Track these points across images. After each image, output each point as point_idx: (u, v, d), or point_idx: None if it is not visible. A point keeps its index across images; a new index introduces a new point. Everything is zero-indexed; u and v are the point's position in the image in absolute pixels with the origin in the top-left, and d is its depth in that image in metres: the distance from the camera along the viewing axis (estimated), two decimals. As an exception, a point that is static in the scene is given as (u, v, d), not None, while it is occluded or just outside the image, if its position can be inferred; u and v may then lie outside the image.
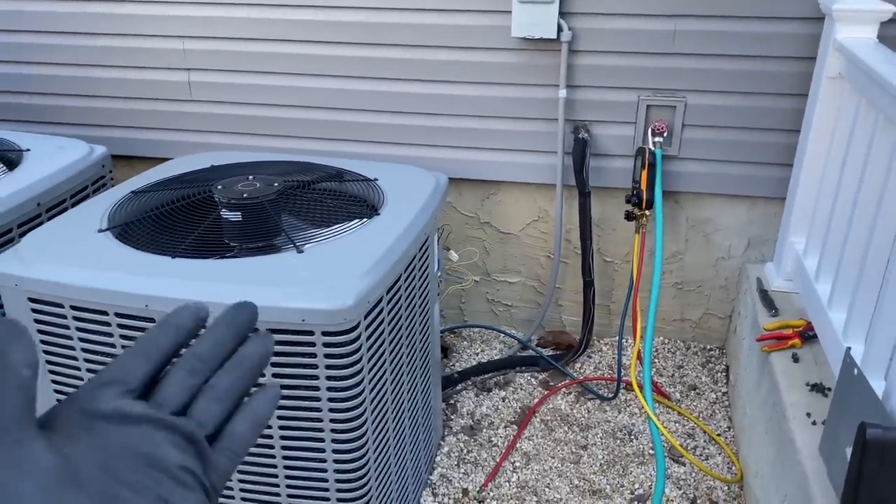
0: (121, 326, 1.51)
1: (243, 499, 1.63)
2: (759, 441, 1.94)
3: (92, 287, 1.50)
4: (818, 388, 1.77)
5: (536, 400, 2.40)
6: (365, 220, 1.74)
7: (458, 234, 2.58)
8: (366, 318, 1.50)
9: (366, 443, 1.58)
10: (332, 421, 1.52)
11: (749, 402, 2.12)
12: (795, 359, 1.89)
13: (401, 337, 1.72)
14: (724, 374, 2.48)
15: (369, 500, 1.64)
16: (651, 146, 2.23)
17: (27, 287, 1.56)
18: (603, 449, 2.20)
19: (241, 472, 1.60)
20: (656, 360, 2.55)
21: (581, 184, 2.30)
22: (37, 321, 1.58)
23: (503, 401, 2.40)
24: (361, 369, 1.51)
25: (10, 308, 1.60)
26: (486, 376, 2.49)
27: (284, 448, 1.56)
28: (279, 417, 1.52)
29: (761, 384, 1.99)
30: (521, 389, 2.45)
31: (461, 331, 2.74)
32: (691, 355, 2.58)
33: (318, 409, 1.51)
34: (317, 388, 1.49)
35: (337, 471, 1.57)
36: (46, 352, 1.61)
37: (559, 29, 2.15)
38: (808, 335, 1.93)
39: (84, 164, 2.17)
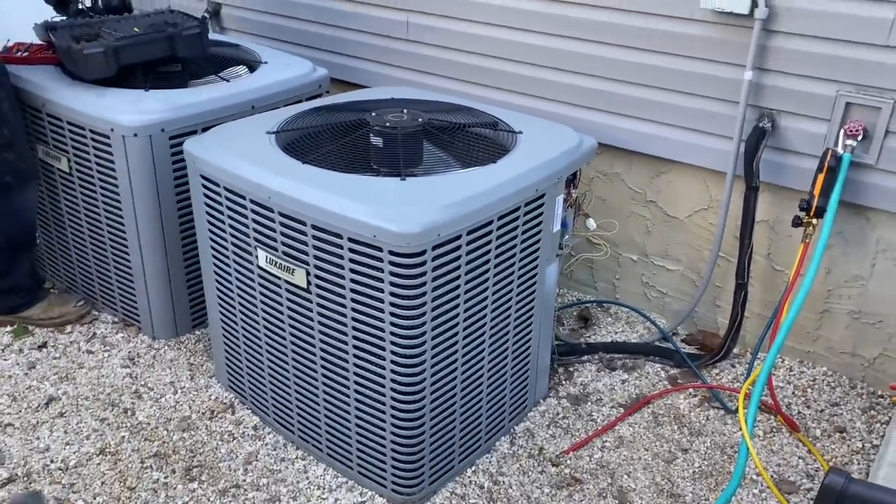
0: (253, 211, 1.81)
1: (325, 385, 1.87)
2: None
3: (236, 174, 1.81)
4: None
5: (657, 392, 2.30)
6: (483, 165, 1.83)
7: (621, 206, 2.51)
8: (435, 248, 1.61)
9: (422, 363, 1.70)
10: (392, 334, 1.67)
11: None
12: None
13: (485, 281, 1.79)
14: (885, 425, 2.13)
15: (422, 419, 1.77)
16: (840, 149, 1.96)
17: (199, 166, 1.92)
18: (704, 458, 2.06)
19: (323, 358, 1.83)
20: (809, 391, 2.27)
21: (749, 176, 2.10)
22: (205, 195, 1.95)
23: (622, 383, 2.34)
24: (423, 294, 1.63)
25: (191, 180, 1.99)
26: (615, 355, 2.43)
27: (356, 347, 1.75)
28: (354, 319, 1.71)
29: None
30: (646, 378, 2.36)
31: (609, 306, 2.69)
32: (854, 396, 2.25)
33: (381, 320, 1.67)
34: (381, 301, 1.65)
35: (394, 380, 1.72)
36: (209, 221, 1.98)
37: (753, 4, 1.97)
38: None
39: (303, 80, 2.54)
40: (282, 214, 1.74)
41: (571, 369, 2.39)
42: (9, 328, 2.48)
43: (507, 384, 2.04)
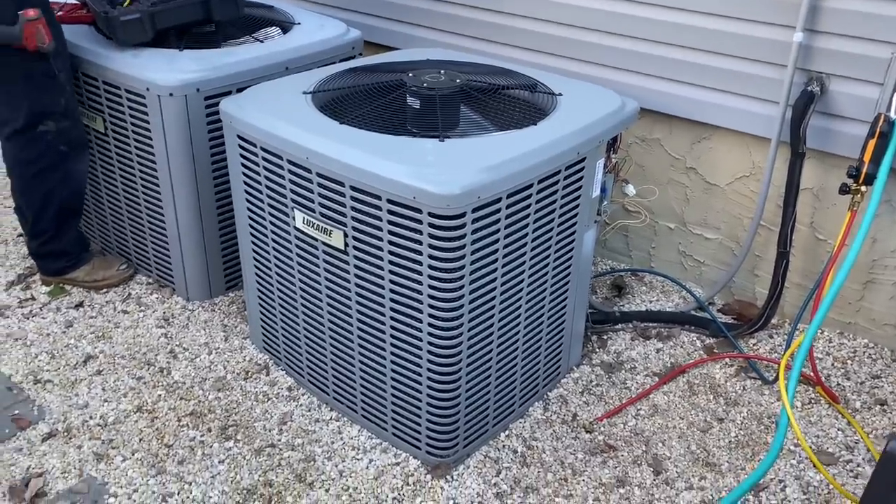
0: (290, 172, 1.80)
1: (361, 346, 1.87)
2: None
3: (273, 133, 1.79)
4: None
5: (692, 361, 2.27)
6: (522, 128, 1.79)
7: (660, 172, 2.47)
8: (475, 211, 1.58)
9: (459, 326, 1.69)
10: (430, 297, 1.65)
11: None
12: None
13: (523, 245, 1.77)
14: (928, 399, 2.09)
15: (458, 382, 1.77)
16: (893, 113, 1.89)
17: (236, 126, 1.91)
18: (740, 428, 2.04)
19: (360, 320, 1.83)
20: (849, 363, 2.23)
21: (795, 142, 2.04)
22: (241, 156, 1.94)
23: (657, 352, 2.32)
24: (462, 257, 1.61)
25: (227, 139, 1.98)
26: (649, 324, 2.41)
27: (393, 310, 1.74)
28: (391, 281, 1.70)
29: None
30: (681, 347, 2.34)
31: (644, 275, 2.65)
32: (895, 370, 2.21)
33: (419, 283, 1.66)
34: (419, 263, 1.63)
35: (431, 343, 1.71)
36: (245, 181, 1.97)
37: (806, -38, 1.90)
38: None
39: (337, 42, 2.50)
40: (319, 175, 1.72)
41: (605, 337, 2.37)
42: (45, 288, 2.51)
43: (541, 350, 2.02)
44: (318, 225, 1.79)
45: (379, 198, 1.62)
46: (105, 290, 2.52)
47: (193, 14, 2.30)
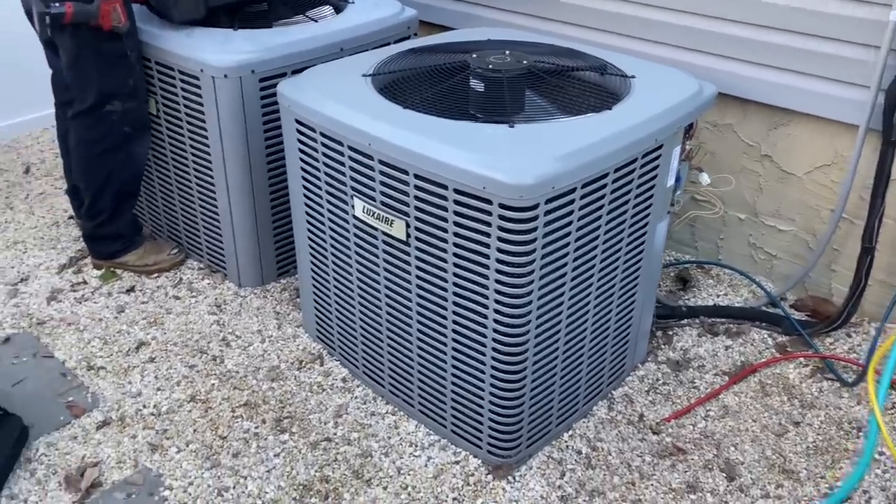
0: (351, 158, 1.72)
1: (420, 340, 1.80)
2: None
3: (333, 118, 1.72)
4: None
5: (764, 360, 2.15)
6: (596, 112, 1.68)
7: (731, 160, 2.33)
8: (548, 202, 1.49)
9: (527, 322, 1.61)
10: (497, 292, 1.57)
11: None
12: None
13: (595, 238, 1.67)
14: None
15: (523, 380, 1.68)
16: None
17: (294, 110, 1.83)
18: (818, 433, 1.92)
19: (420, 313, 1.75)
20: (936, 365, 2.09)
21: (888, 129, 1.90)
22: (299, 140, 1.87)
23: (725, 349, 2.20)
24: (532, 251, 1.52)
25: (284, 124, 1.91)
26: (717, 320, 2.29)
27: (456, 304, 1.66)
28: (455, 274, 1.62)
29: None
30: (752, 345, 2.22)
31: (711, 268, 2.53)
32: None
33: (485, 277, 1.57)
34: (487, 257, 1.55)
35: (496, 340, 1.63)
36: (302, 167, 1.90)
37: (909, -67, 1.75)
38: None
39: (392, 21, 2.41)
40: (382, 162, 1.64)
41: (671, 333, 2.27)
42: (96, 272, 2.49)
43: (608, 346, 1.93)
44: (378, 214, 1.71)
45: (445, 187, 1.54)
46: (156, 274, 2.49)
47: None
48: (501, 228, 1.49)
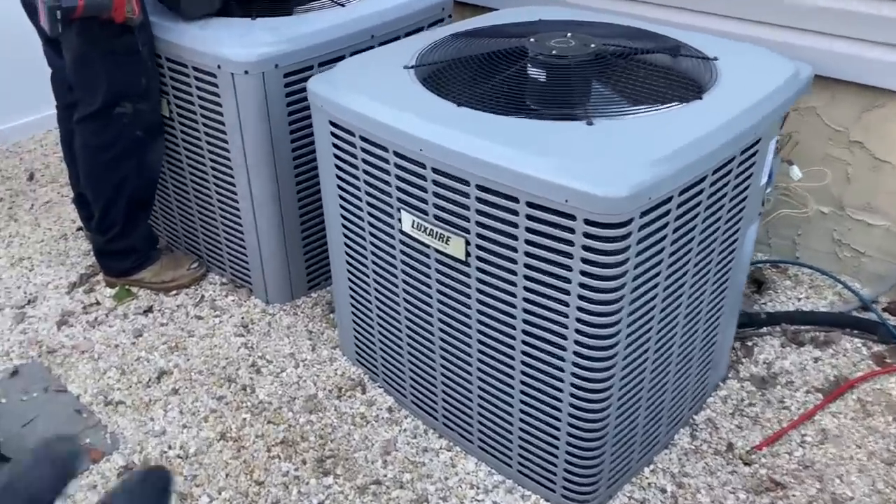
0: (398, 166, 1.48)
1: (481, 370, 1.57)
2: None
3: (376, 120, 1.48)
4: None
5: (860, 374, 1.91)
6: (684, 103, 1.44)
7: (814, 148, 2.08)
8: (642, 216, 1.25)
9: (613, 355, 1.37)
10: (579, 321, 1.34)
11: None
12: None
13: (689, 251, 1.43)
14: None
15: (607, 416, 1.46)
16: None
17: (328, 110, 1.59)
18: (934, 461, 1.69)
19: (481, 340, 1.52)
20: None
21: None
22: (334, 145, 1.63)
23: (815, 361, 1.96)
24: (624, 273, 1.28)
25: (317, 126, 1.67)
26: (802, 327, 2.05)
27: (526, 333, 1.43)
28: (526, 300, 1.39)
29: None
30: (844, 356, 1.98)
31: (788, 267, 2.28)
32: None
33: (565, 304, 1.34)
34: (567, 280, 1.31)
35: (576, 374, 1.40)
36: (338, 175, 1.66)
37: None
38: None
39: (425, 3, 2.16)
40: (436, 171, 1.40)
41: (750, 344, 2.03)
42: (109, 290, 2.27)
43: (693, 367, 1.70)
44: (431, 230, 1.48)
45: (515, 200, 1.30)
46: (175, 291, 2.27)
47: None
48: (587, 248, 1.26)
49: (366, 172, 1.57)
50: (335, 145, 1.63)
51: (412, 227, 1.52)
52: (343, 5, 2.10)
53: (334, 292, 1.94)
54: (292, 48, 1.88)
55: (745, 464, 1.71)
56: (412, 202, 1.49)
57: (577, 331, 1.35)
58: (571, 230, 1.26)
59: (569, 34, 1.63)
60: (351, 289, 1.83)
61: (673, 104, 1.43)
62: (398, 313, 1.70)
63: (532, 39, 1.61)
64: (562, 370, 1.41)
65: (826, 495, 1.63)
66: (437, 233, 1.47)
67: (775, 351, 2.00)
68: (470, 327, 1.53)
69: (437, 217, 1.46)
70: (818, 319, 2.05)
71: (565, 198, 1.23)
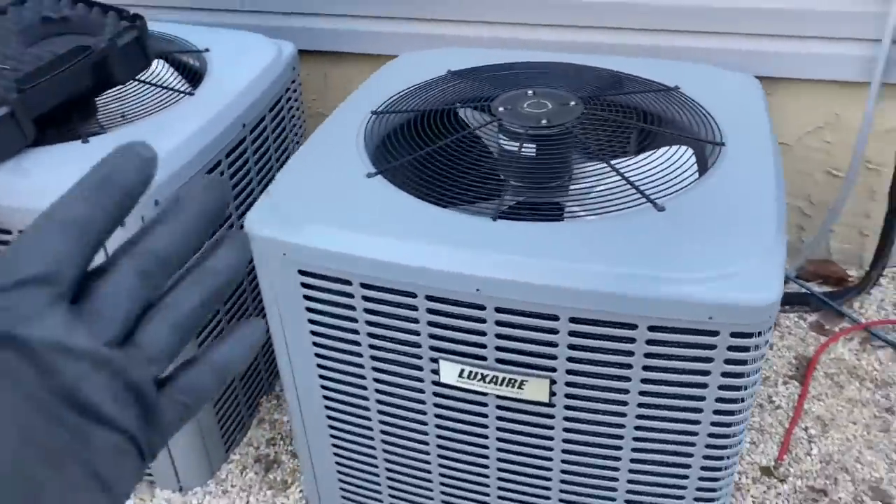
0: (432, 311, 1.14)
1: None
2: None
3: (399, 264, 1.11)
4: None
5: (812, 348, 2.00)
6: (693, 149, 1.29)
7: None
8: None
9: (734, 464, 1.21)
10: (709, 435, 1.15)
11: None
12: None
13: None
14: None
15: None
16: None
17: (300, 257, 1.18)
18: (915, 413, 1.82)
19: (565, 491, 1.27)
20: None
21: (913, 85, 1.78)
22: (308, 297, 1.21)
23: (771, 349, 2.01)
24: (756, 381, 1.11)
25: (270, 278, 1.23)
26: (743, 316, 2.09)
27: (633, 482, 1.21)
28: (637, 438, 1.16)
29: None
30: (790, 334, 2.06)
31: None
32: None
33: (696, 423, 1.14)
34: (702, 399, 1.11)
35: (698, 496, 1.22)
36: (315, 331, 1.25)
37: None
38: None
39: (276, 68, 1.73)
40: (502, 310, 1.10)
41: (711, 349, 2.01)
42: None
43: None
44: (493, 377, 1.17)
45: (633, 327, 1.06)
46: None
47: (84, 81, 1.40)
48: (729, 361, 1.06)
49: (371, 324, 1.19)
50: (310, 297, 1.21)
51: (460, 376, 1.19)
52: (194, 94, 1.60)
53: (301, 458, 1.51)
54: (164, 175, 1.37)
55: (780, 481, 1.69)
56: (460, 349, 1.16)
57: (707, 445, 1.16)
58: (711, 346, 1.05)
59: (530, 91, 1.39)
60: (337, 455, 1.43)
61: (684, 147, 1.28)
62: (430, 481, 1.36)
63: (501, 108, 1.35)
64: (685, 487, 1.22)
65: (863, 486, 1.67)
66: (503, 379, 1.17)
67: (735, 349, 2.02)
68: (551, 469, 1.26)
69: (500, 360, 1.15)
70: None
71: (709, 315, 1.02)
